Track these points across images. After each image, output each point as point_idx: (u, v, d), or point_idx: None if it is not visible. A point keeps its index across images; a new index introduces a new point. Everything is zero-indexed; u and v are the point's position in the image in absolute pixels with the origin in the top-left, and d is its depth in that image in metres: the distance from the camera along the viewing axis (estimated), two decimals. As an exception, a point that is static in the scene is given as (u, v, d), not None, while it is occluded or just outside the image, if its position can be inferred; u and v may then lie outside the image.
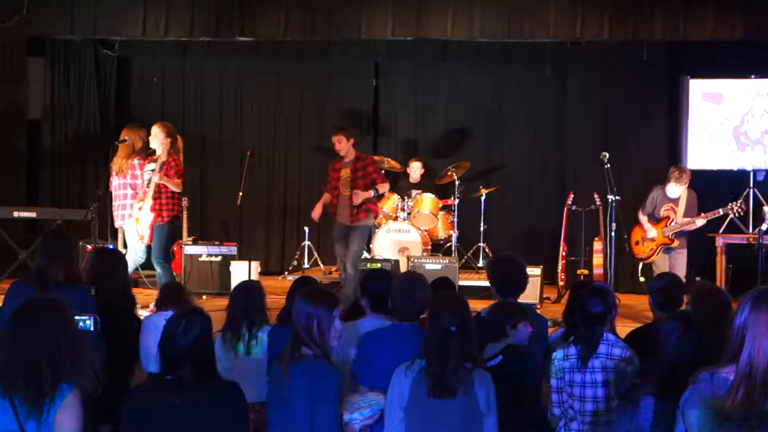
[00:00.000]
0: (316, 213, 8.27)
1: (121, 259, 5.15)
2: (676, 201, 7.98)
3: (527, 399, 3.87)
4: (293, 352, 3.52)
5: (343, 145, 8.07)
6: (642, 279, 8.58)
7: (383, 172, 10.23)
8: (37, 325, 2.95)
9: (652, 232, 8.02)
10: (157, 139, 7.74)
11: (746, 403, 2.44)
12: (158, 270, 7.66)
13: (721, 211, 7.90)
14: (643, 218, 8.13)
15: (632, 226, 8.33)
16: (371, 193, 8.07)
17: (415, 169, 10.26)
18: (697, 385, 2.57)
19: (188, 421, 3.10)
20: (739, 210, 7.90)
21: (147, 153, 7.86)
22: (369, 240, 9.35)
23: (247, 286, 4.91)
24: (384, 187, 8.25)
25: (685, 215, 7.91)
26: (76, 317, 3.52)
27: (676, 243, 7.91)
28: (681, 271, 7.75)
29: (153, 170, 7.72)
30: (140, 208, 7.70)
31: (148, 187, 7.68)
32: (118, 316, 4.61)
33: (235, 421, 3.22)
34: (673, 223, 7.92)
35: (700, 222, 7.88)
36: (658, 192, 8.11)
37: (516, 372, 3.81)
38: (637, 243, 8.19)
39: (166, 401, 3.10)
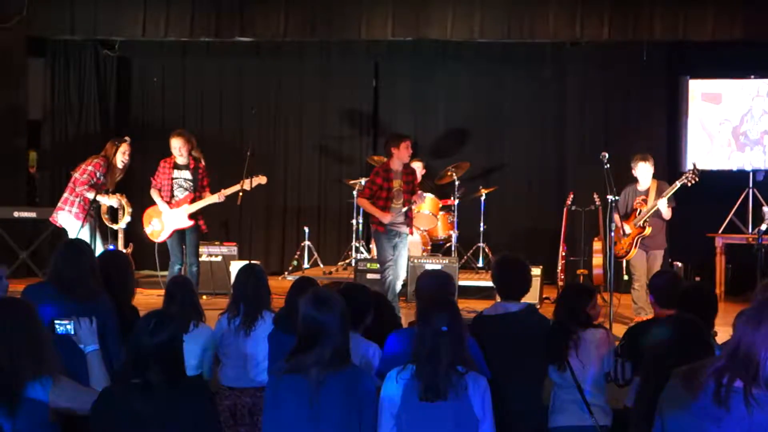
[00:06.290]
0: (388, 218, 7.48)
1: (128, 260, 5.12)
2: (646, 192, 7.97)
3: None
4: (327, 362, 3.25)
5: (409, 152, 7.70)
6: (626, 278, 8.52)
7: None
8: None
9: (625, 228, 8.01)
10: (191, 145, 8.07)
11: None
12: (195, 269, 7.99)
13: (678, 183, 7.75)
14: (616, 217, 8.11)
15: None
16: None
17: (416, 170, 10.23)
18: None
19: (156, 427, 2.95)
20: (694, 177, 7.69)
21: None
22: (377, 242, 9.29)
23: (251, 268, 4.92)
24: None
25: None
26: (57, 321, 3.46)
27: (648, 230, 7.84)
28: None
29: (190, 180, 8.04)
30: (176, 204, 7.93)
31: (197, 193, 8.05)
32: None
33: (203, 421, 3.06)
34: (640, 213, 7.91)
35: (660, 204, 7.75)
36: (629, 189, 8.13)
37: None
38: (615, 243, 8.16)
39: (133, 406, 2.94)
